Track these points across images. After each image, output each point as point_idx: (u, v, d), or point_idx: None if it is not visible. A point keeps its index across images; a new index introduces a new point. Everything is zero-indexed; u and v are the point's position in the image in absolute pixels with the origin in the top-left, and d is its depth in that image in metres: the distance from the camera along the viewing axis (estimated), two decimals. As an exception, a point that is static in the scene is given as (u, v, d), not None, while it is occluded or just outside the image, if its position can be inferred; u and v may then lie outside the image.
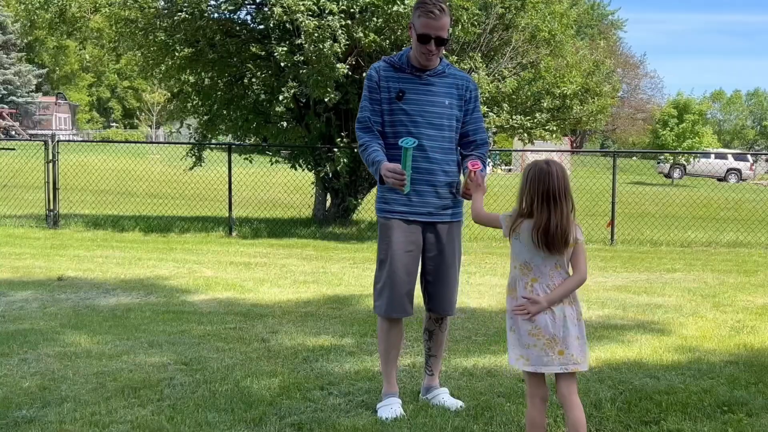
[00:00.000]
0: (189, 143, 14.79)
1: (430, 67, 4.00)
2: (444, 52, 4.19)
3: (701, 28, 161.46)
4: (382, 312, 4.01)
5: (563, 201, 3.11)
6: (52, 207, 13.46)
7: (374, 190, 14.78)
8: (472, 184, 3.72)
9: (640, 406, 4.03)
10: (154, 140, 51.36)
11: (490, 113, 13.27)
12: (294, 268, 9.28)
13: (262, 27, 13.04)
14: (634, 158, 50.43)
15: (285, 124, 12.59)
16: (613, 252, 11.75)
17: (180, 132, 17.91)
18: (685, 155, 36.20)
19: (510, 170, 39.00)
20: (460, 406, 3.99)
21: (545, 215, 3.10)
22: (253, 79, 12.81)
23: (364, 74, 12.34)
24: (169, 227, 13.20)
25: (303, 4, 11.29)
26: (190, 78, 13.67)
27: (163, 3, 13.07)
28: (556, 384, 3.21)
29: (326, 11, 11.42)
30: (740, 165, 39.97)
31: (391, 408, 3.90)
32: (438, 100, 3.99)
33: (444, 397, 4.11)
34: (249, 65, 12.66)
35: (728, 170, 39.34)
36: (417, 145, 3.81)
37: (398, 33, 11.67)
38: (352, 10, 11.62)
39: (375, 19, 11.58)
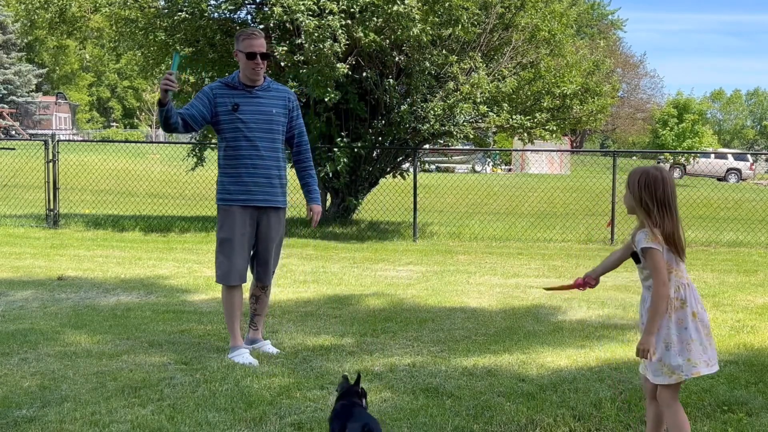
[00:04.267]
0: (189, 143, 14.79)
1: (258, 82, 4.98)
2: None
3: (701, 28, 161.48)
4: (226, 281, 4.94)
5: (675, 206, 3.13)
6: (52, 207, 13.46)
7: (374, 190, 14.80)
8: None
9: (640, 405, 4.03)
10: (154, 140, 51.33)
11: (490, 113, 13.27)
12: (294, 267, 9.28)
13: (262, 27, 13.04)
14: (634, 158, 50.38)
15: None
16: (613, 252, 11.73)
17: (180, 132, 17.87)
18: (685, 155, 36.18)
19: (510, 170, 38.99)
20: (278, 352, 5.02)
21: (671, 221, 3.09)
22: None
23: (365, 74, 12.47)
24: (169, 227, 13.20)
25: (303, 4, 11.29)
26: (191, 78, 13.67)
27: (163, 3, 13.07)
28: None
29: (326, 11, 11.41)
30: (740, 165, 39.95)
31: (243, 356, 4.84)
32: (266, 109, 4.98)
33: (268, 347, 5.11)
34: (249, 65, 12.65)
35: (728, 170, 39.32)
36: (252, 146, 4.92)
37: (398, 33, 11.67)
38: (352, 10, 11.62)
39: (375, 18, 11.58)
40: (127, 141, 42.81)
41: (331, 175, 13.25)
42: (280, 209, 5.11)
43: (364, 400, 3.29)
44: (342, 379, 3.38)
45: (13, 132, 49.23)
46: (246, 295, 5.27)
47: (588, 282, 3.56)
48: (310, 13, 11.37)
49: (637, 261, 3.25)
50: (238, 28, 13.40)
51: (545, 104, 13.75)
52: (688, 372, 3.09)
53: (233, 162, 4.95)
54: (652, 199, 3.08)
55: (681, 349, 3.09)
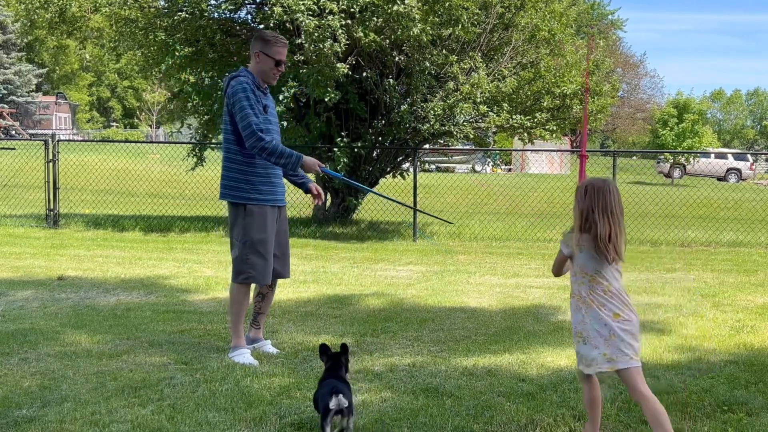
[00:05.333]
0: (189, 143, 14.78)
1: (273, 85, 5.21)
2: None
3: (701, 28, 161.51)
4: (264, 281, 5.02)
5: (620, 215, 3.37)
6: (52, 207, 13.46)
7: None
8: None
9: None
10: (154, 140, 51.33)
11: (490, 113, 13.27)
12: (294, 267, 9.23)
13: (262, 26, 13.03)
14: (634, 158, 50.42)
15: (285, 123, 12.59)
16: (613, 252, 11.73)
17: (181, 132, 17.90)
18: (685, 155, 36.18)
19: (510, 170, 38.99)
20: (278, 352, 5.07)
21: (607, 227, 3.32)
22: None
23: (365, 74, 12.46)
24: (169, 227, 13.21)
25: (303, 4, 11.28)
26: (191, 78, 13.67)
27: (163, 2, 13.06)
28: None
29: (326, 11, 11.41)
30: (740, 165, 39.94)
31: (244, 356, 4.89)
32: (274, 111, 5.19)
33: (268, 347, 5.16)
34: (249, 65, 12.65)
35: (728, 170, 39.32)
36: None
37: (398, 33, 11.66)
38: (352, 10, 11.61)
39: (375, 18, 11.57)
40: (127, 141, 42.81)
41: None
42: (284, 207, 5.33)
43: (345, 365, 3.79)
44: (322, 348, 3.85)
45: (13, 132, 49.26)
46: (227, 293, 5.36)
47: None
48: (310, 13, 11.36)
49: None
50: (238, 28, 13.42)
51: (545, 104, 13.74)
52: (602, 365, 3.33)
53: (263, 162, 4.96)
54: (592, 206, 3.33)
55: (597, 344, 3.33)
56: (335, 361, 3.77)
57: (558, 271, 3.59)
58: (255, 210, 4.95)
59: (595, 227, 3.30)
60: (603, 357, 3.31)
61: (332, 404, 3.40)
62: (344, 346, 3.82)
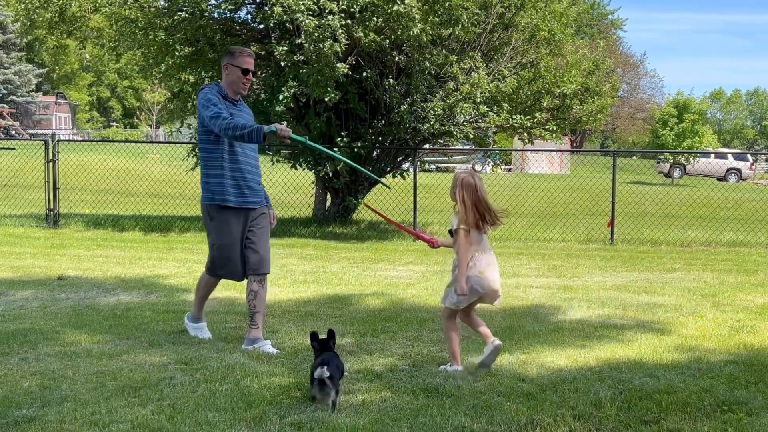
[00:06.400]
0: (189, 143, 14.78)
1: (244, 95, 5.48)
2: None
3: (701, 28, 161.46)
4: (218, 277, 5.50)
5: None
6: (52, 207, 13.47)
7: (374, 190, 14.80)
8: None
9: (640, 405, 4.03)
10: (154, 140, 51.33)
11: (490, 113, 13.27)
12: (294, 267, 9.28)
13: (262, 26, 13.04)
14: (634, 158, 50.41)
15: (285, 123, 12.59)
16: (613, 251, 11.75)
17: (180, 132, 17.91)
18: (685, 155, 36.18)
19: (510, 170, 38.98)
20: (278, 353, 5.13)
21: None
22: (253, 79, 12.80)
23: (365, 74, 12.46)
24: (169, 227, 13.21)
25: (303, 4, 11.28)
26: (191, 77, 13.67)
27: (163, 2, 13.06)
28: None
29: (326, 11, 11.41)
30: (740, 165, 39.94)
31: (202, 331, 5.52)
32: (250, 119, 5.43)
33: (268, 347, 5.18)
34: (249, 65, 12.65)
35: (728, 170, 39.31)
36: (249, 150, 5.36)
37: (398, 32, 11.67)
38: (352, 10, 11.61)
39: (375, 18, 11.58)
40: (127, 141, 42.83)
41: (331, 175, 13.25)
42: (266, 206, 5.51)
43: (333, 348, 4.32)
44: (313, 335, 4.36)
45: (13, 132, 49.25)
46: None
47: (434, 243, 5.04)
48: (310, 13, 11.36)
49: (451, 235, 4.83)
50: (238, 27, 13.42)
51: (545, 104, 13.75)
52: (460, 304, 4.84)
53: (231, 166, 5.24)
54: (466, 196, 4.64)
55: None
56: (324, 345, 4.29)
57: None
58: (219, 212, 5.23)
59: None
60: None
61: (317, 374, 3.87)
62: (331, 332, 4.34)
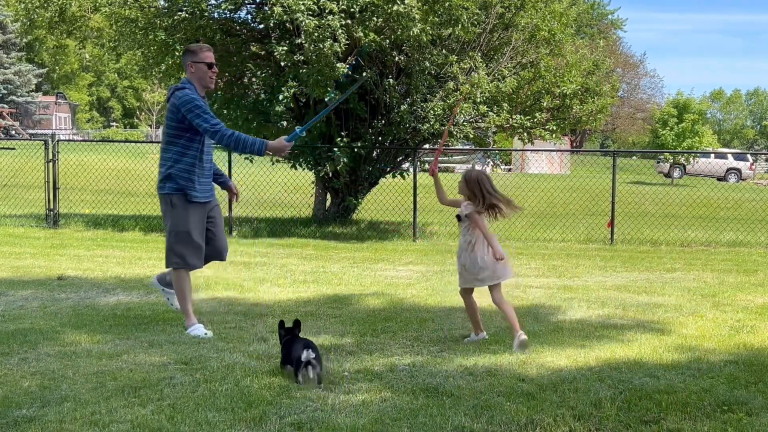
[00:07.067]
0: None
1: (212, 89, 5.73)
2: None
3: (701, 28, 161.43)
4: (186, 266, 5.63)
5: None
6: (52, 207, 13.47)
7: (374, 190, 14.81)
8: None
9: (640, 405, 4.03)
10: (154, 140, 51.31)
11: (490, 113, 13.27)
12: (294, 267, 9.28)
13: (262, 26, 13.03)
14: (634, 158, 50.43)
15: (285, 123, 12.60)
16: (613, 251, 11.75)
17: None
18: (685, 155, 36.19)
19: (510, 170, 38.99)
20: (177, 308, 5.81)
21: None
22: (254, 79, 12.80)
23: (364, 74, 12.46)
24: (169, 227, 13.18)
25: (303, 4, 11.29)
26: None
27: (163, 2, 13.06)
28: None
29: (326, 11, 11.41)
30: (740, 165, 39.96)
31: (198, 329, 5.55)
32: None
33: (172, 302, 5.91)
34: (249, 65, 12.66)
35: (728, 170, 39.33)
36: (209, 148, 5.62)
37: (398, 32, 11.67)
38: (352, 10, 11.61)
39: (375, 18, 11.58)
40: (127, 141, 42.82)
41: (331, 175, 13.25)
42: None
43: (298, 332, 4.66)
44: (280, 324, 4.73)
45: (13, 132, 49.26)
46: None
47: (433, 171, 5.59)
48: (310, 12, 11.36)
49: (459, 220, 5.36)
50: (237, 27, 13.42)
51: (545, 104, 13.74)
52: (472, 283, 5.47)
53: (200, 163, 5.56)
54: (480, 189, 5.27)
55: (473, 271, 5.40)
56: (292, 333, 4.63)
57: None
58: (182, 201, 5.53)
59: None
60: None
61: (303, 356, 4.24)
62: (297, 322, 4.70)
